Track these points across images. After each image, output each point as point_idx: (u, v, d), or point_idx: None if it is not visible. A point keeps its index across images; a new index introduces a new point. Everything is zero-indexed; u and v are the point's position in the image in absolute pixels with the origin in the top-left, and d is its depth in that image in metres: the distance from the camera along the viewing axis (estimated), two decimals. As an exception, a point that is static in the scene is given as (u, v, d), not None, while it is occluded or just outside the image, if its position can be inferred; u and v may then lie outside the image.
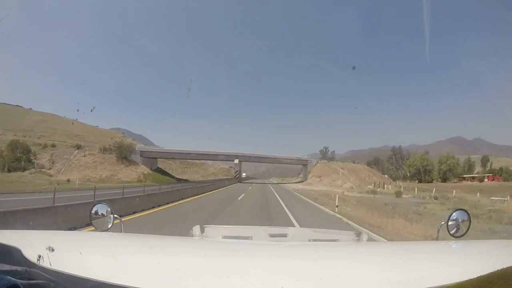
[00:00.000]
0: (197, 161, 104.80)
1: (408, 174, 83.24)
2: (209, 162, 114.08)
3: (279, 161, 70.68)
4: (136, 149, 54.24)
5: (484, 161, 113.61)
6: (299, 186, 44.88)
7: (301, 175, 76.16)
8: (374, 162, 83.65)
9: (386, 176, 77.11)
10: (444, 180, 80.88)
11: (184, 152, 63.04)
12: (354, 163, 75.59)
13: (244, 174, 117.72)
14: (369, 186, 45.89)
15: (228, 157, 63.60)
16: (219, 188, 33.13)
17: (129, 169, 47.96)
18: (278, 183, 67.29)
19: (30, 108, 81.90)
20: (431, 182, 77.74)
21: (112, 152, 49.06)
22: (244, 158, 63.92)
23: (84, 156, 47.19)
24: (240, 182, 56.39)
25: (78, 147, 49.77)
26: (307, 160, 69.83)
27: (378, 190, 40.06)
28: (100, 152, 49.43)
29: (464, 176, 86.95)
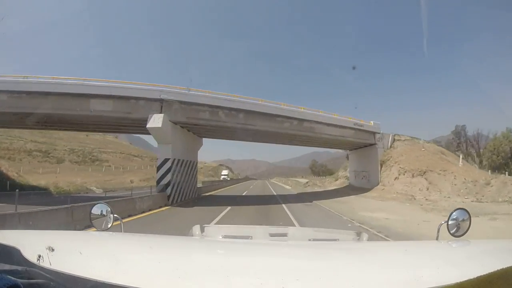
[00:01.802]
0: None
1: (477, 165, 55.29)
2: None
3: (311, 130, 20.27)
4: None
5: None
6: None
7: (345, 174, 33.41)
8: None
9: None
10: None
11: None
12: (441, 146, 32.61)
13: (225, 173, 67.13)
14: None
15: (123, 105, 15.25)
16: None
17: None
18: (313, 200, 18.51)
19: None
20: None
21: None
22: (193, 115, 16.25)
23: None
24: (195, 206, 15.14)
25: None
26: (374, 133, 24.30)
27: None
28: None
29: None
